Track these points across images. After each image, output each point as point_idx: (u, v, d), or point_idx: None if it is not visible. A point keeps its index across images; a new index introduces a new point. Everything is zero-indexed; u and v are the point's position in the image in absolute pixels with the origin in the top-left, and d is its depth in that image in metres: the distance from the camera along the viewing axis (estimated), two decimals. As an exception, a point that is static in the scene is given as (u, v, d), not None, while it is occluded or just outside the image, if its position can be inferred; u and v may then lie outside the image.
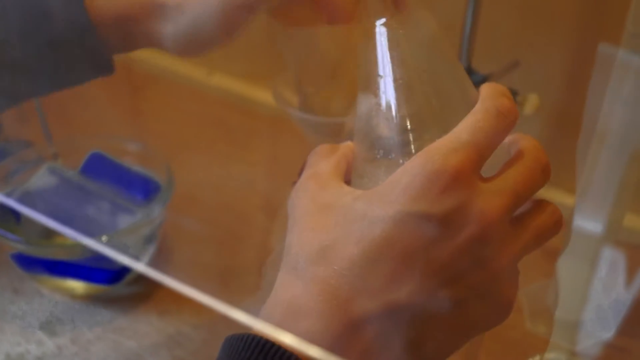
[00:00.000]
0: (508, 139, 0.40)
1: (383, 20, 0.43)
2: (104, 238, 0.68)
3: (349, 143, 0.45)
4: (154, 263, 0.75)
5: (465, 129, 0.38)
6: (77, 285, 0.73)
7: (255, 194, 0.88)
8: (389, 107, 0.42)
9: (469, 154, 0.37)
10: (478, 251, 0.37)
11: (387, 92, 0.42)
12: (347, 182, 0.43)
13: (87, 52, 0.58)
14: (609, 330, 0.68)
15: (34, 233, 0.75)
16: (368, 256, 0.37)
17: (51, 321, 0.70)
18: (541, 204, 0.40)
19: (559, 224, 0.40)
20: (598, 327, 0.68)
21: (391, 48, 0.43)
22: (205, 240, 0.81)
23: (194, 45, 0.57)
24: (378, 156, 0.42)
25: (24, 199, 0.73)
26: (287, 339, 0.36)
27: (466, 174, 0.36)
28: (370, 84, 0.43)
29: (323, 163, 0.43)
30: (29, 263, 0.71)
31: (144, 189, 0.76)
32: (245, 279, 0.75)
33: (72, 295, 0.73)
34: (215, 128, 0.98)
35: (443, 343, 0.38)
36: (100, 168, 0.77)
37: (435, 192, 0.36)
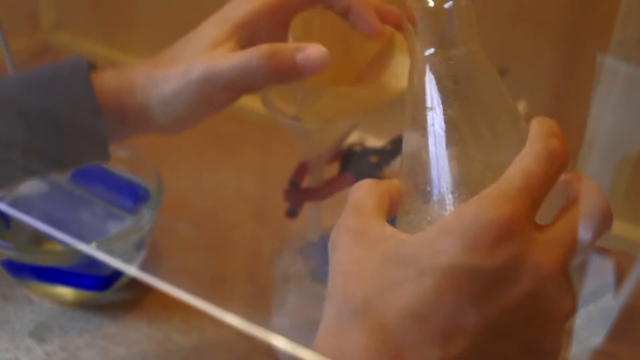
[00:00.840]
0: (563, 177, 0.39)
1: (432, 51, 0.41)
2: (94, 244, 0.68)
3: (394, 180, 0.43)
4: (143, 269, 0.75)
5: (516, 174, 0.36)
6: (66, 292, 0.72)
7: (245, 201, 0.88)
8: (438, 143, 0.40)
9: (523, 201, 0.35)
10: (530, 307, 0.35)
11: (437, 127, 0.40)
12: (391, 220, 0.41)
13: (88, 135, 0.58)
14: (598, 336, 0.68)
15: (24, 239, 0.75)
16: (416, 310, 0.35)
17: (40, 328, 0.70)
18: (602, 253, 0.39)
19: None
20: (587, 333, 0.68)
21: (441, 81, 0.41)
22: (194, 246, 0.81)
23: (177, 117, 0.57)
24: (426, 194, 0.41)
25: (14, 206, 0.73)
26: None
27: (520, 224, 0.35)
28: (418, 118, 0.41)
29: (366, 199, 0.41)
30: (18, 270, 0.71)
31: (134, 196, 0.76)
32: (234, 285, 0.75)
33: (62, 301, 0.73)
34: (204, 135, 0.98)
35: None
36: (90, 175, 0.77)
37: (488, 243, 0.34)
